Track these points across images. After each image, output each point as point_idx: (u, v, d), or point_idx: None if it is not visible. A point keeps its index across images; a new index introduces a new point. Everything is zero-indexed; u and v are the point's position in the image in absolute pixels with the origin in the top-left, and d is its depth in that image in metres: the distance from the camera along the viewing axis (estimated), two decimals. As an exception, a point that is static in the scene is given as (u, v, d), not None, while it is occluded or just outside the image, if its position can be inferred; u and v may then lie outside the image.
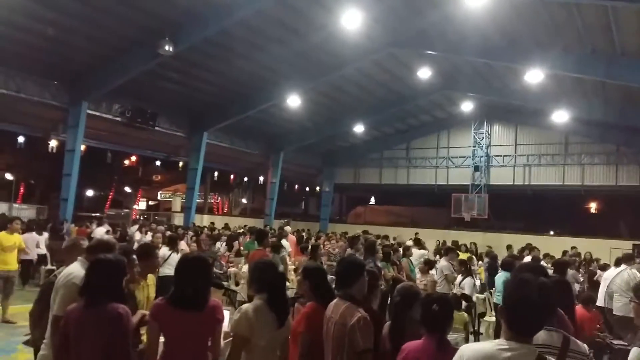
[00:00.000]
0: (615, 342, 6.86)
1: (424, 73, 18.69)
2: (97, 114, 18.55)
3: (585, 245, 17.62)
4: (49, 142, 21.94)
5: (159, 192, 43.39)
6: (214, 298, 3.36)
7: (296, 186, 36.81)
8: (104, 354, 2.96)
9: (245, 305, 3.34)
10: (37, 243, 12.32)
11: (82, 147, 18.75)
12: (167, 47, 14.30)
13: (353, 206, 41.52)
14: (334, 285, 3.63)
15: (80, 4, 13.32)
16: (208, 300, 3.20)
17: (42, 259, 12.39)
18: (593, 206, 34.13)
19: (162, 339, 3.13)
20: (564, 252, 15.13)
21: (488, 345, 2.17)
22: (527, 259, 11.64)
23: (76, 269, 3.65)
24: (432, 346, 2.78)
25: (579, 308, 7.27)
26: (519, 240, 19.65)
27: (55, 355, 3.10)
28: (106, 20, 14.21)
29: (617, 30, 12.52)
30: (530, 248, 14.34)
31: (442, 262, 9.71)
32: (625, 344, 5.77)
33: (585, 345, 2.70)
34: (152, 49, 14.71)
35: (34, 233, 12.48)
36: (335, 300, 3.37)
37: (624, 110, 18.86)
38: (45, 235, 13.09)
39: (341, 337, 3.11)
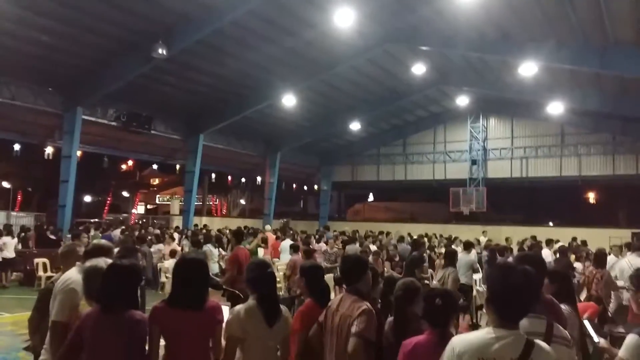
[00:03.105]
0: (615, 330, 6.89)
1: (419, 69, 18.70)
2: (93, 119, 18.53)
3: (584, 236, 17.62)
4: (45, 149, 21.90)
5: (156, 196, 43.41)
6: (213, 299, 3.37)
7: (294, 185, 36.88)
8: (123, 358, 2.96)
9: (238, 306, 3.37)
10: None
11: (79, 153, 18.76)
12: (160, 51, 14.27)
13: (352, 203, 41.61)
14: None
15: (72, 10, 13.29)
16: (206, 300, 3.21)
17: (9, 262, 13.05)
18: (591, 196, 34.27)
19: (162, 342, 3.14)
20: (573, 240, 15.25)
21: (478, 334, 2.21)
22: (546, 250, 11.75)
23: (74, 275, 3.64)
24: (435, 340, 2.78)
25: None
26: (518, 233, 19.76)
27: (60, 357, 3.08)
28: (98, 25, 14.18)
29: (609, 20, 12.53)
30: (532, 240, 14.46)
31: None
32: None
33: (569, 331, 2.74)
34: (145, 52, 14.69)
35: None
36: (341, 295, 3.43)
37: (619, 99, 18.89)
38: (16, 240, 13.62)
39: (345, 328, 3.15)
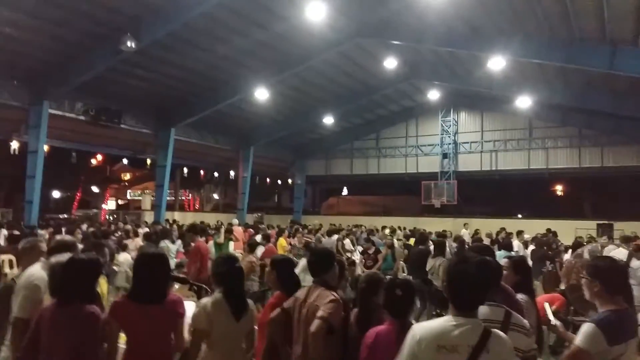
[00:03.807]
0: (576, 318, 7.12)
1: (390, 63, 18.83)
2: (60, 113, 18.07)
3: (552, 227, 18.09)
4: (11, 144, 21.28)
5: (127, 191, 42.68)
6: (179, 293, 3.37)
7: (268, 180, 36.70)
8: (76, 354, 2.94)
9: (204, 299, 3.38)
10: None
11: (46, 148, 18.30)
12: (129, 43, 14.00)
13: (326, 197, 41.69)
14: None
15: (37, 1, 12.93)
16: (166, 294, 3.22)
17: None
18: (558, 188, 35.11)
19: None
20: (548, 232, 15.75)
21: (438, 322, 2.29)
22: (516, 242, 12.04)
23: (37, 271, 3.61)
24: (395, 330, 2.85)
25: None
26: (488, 225, 20.12)
27: (21, 356, 3.05)
28: (65, 17, 13.82)
29: (574, 16, 12.85)
30: (503, 232, 14.83)
31: None
32: (586, 319, 5.98)
33: (526, 320, 2.84)
34: (114, 45, 14.37)
35: None
36: (309, 286, 3.48)
37: (585, 93, 19.39)
38: None
39: (313, 318, 3.18)
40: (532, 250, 11.53)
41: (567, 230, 19.20)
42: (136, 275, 3.27)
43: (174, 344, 3.23)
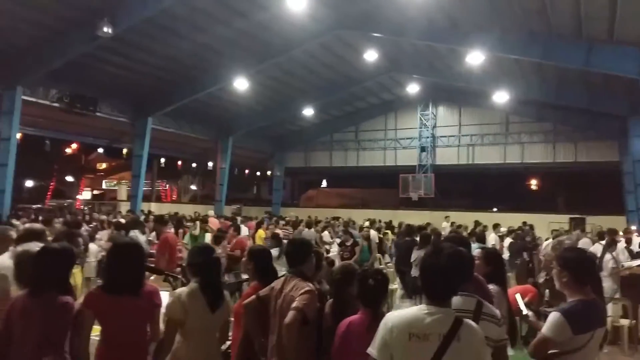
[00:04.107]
0: (548, 309, 7.29)
1: (370, 55, 18.86)
2: (33, 99, 17.68)
3: (526, 221, 18.41)
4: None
5: (103, 181, 41.96)
6: (154, 284, 3.34)
7: (247, 171, 36.58)
8: (48, 344, 2.90)
9: (179, 289, 3.35)
10: None
11: (18, 135, 17.86)
12: (105, 29, 13.70)
13: (305, 189, 41.67)
14: None
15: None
16: (142, 284, 3.18)
17: None
18: (533, 183, 35.73)
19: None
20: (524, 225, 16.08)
21: (411, 310, 2.32)
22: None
23: (5, 260, 3.55)
24: (368, 319, 2.87)
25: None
26: (464, 218, 20.41)
27: None
28: (39, 1, 13.47)
29: (552, 13, 13.04)
30: (478, 225, 15.05)
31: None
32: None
33: (497, 310, 2.89)
34: (90, 30, 14.04)
35: None
36: (285, 277, 3.47)
37: (560, 90, 19.75)
38: None
39: (289, 308, 3.18)
40: (510, 243, 11.73)
41: (541, 223, 19.59)
42: (110, 266, 3.22)
43: (149, 335, 3.21)
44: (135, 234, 9.72)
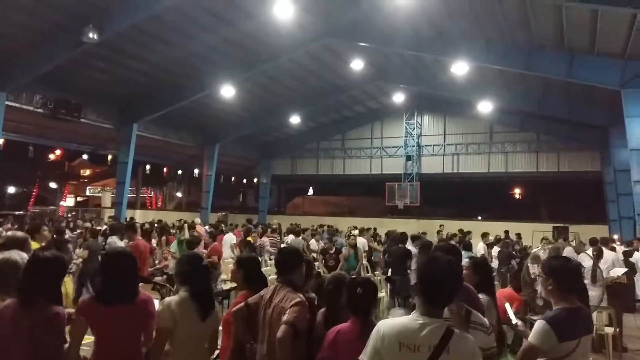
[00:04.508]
0: (534, 317, 7.36)
1: (357, 64, 18.97)
2: (17, 105, 17.38)
3: (510, 229, 18.62)
4: (-37, 136, 20.43)
5: (87, 188, 41.49)
6: (144, 292, 3.32)
7: (233, 178, 36.44)
8: (37, 354, 2.84)
9: (168, 298, 3.33)
10: None
11: (1, 141, 17.62)
12: (91, 35, 13.58)
13: (291, 197, 41.65)
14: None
15: (-7, -13, 12.45)
16: (137, 293, 3.17)
17: None
18: (517, 192, 36.15)
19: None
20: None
21: (403, 320, 2.33)
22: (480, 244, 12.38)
23: None
24: (357, 328, 2.88)
25: (508, 290, 7.78)
26: (449, 226, 20.54)
27: None
28: (23, 4, 13.31)
29: (535, 25, 13.28)
30: (466, 234, 15.16)
31: None
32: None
33: (485, 318, 2.94)
34: (75, 36, 13.90)
35: None
36: (275, 286, 3.44)
37: (543, 100, 20.07)
38: None
39: (279, 319, 3.17)
40: (499, 252, 11.83)
41: (524, 232, 19.78)
42: (104, 275, 3.19)
43: (143, 344, 3.18)
44: (113, 240, 9.71)
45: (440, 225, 20.88)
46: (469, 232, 15.52)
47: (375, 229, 19.02)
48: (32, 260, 3.10)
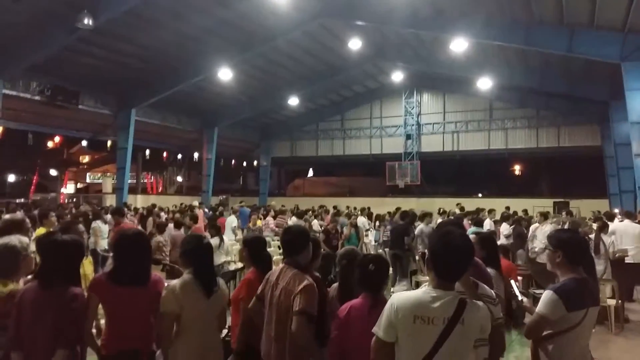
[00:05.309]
0: (537, 291, 7.45)
1: (355, 44, 18.81)
2: (14, 93, 17.36)
3: (511, 205, 18.66)
4: (-39, 125, 20.38)
5: (87, 174, 41.47)
6: (155, 273, 3.36)
7: (233, 161, 36.38)
8: (60, 336, 2.88)
9: (173, 282, 3.35)
10: None
11: (0, 129, 17.57)
12: (86, 21, 13.44)
13: (292, 179, 41.70)
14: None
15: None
16: (149, 275, 3.21)
17: None
18: (517, 168, 36.17)
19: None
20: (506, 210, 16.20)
21: (417, 293, 2.37)
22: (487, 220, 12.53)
23: None
24: (368, 304, 2.92)
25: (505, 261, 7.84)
26: (450, 204, 20.60)
27: (9, 340, 2.96)
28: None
29: (534, -1, 13.15)
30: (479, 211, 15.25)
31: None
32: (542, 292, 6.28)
33: (492, 290, 2.98)
34: (70, 22, 13.77)
35: None
36: (281, 267, 3.43)
37: (543, 75, 19.95)
38: None
39: (287, 302, 3.18)
40: (514, 228, 11.76)
41: (524, 207, 19.82)
42: (117, 256, 3.24)
43: (153, 324, 3.24)
44: (97, 224, 9.96)
45: (458, 204, 20.45)
46: (482, 210, 15.53)
47: (369, 208, 18.74)
48: (50, 243, 3.13)
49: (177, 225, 9.94)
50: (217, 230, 9.02)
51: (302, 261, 3.43)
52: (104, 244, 9.73)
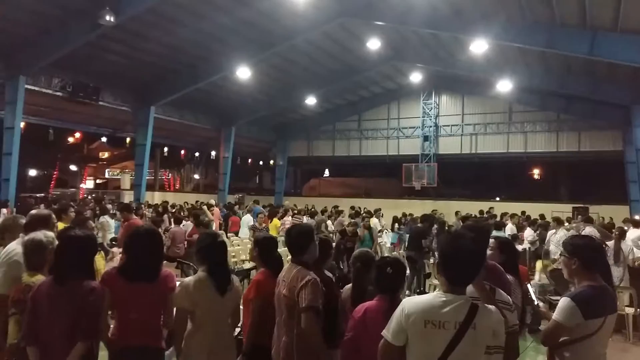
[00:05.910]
0: (553, 297, 7.33)
1: (374, 44, 18.76)
2: (36, 88, 17.67)
3: (529, 210, 18.43)
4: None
5: (106, 170, 42.05)
6: (165, 268, 3.38)
7: (250, 160, 36.57)
8: (78, 330, 2.91)
9: (186, 279, 3.38)
10: None
11: (22, 124, 17.88)
12: (108, 17, 13.64)
13: (307, 179, 41.68)
14: None
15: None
16: (160, 271, 3.23)
17: None
18: (536, 172, 35.66)
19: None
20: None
21: (427, 297, 2.34)
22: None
23: (17, 247, 3.58)
24: (384, 306, 2.91)
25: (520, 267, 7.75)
26: (467, 207, 20.40)
27: (25, 335, 3.00)
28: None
29: (556, 1, 12.94)
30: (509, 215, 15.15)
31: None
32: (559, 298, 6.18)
33: (509, 296, 2.93)
34: (92, 19, 14.00)
35: None
36: (287, 265, 3.50)
37: (564, 78, 19.66)
38: None
39: (292, 298, 3.22)
40: (539, 233, 11.62)
41: (544, 212, 19.53)
42: (129, 252, 3.26)
43: (163, 320, 3.26)
44: (105, 219, 10.22)
45: (490, 208, 20.00)
46: (505, 214, 15.40)
47: (379, 210, 18.61)
48: (64, 239, 3.18)
49: (177, 222, 10.09)
50: (204, 225, 9.19)
51: (308, 260, 3.47)
52: (109, 237, 9.90)
